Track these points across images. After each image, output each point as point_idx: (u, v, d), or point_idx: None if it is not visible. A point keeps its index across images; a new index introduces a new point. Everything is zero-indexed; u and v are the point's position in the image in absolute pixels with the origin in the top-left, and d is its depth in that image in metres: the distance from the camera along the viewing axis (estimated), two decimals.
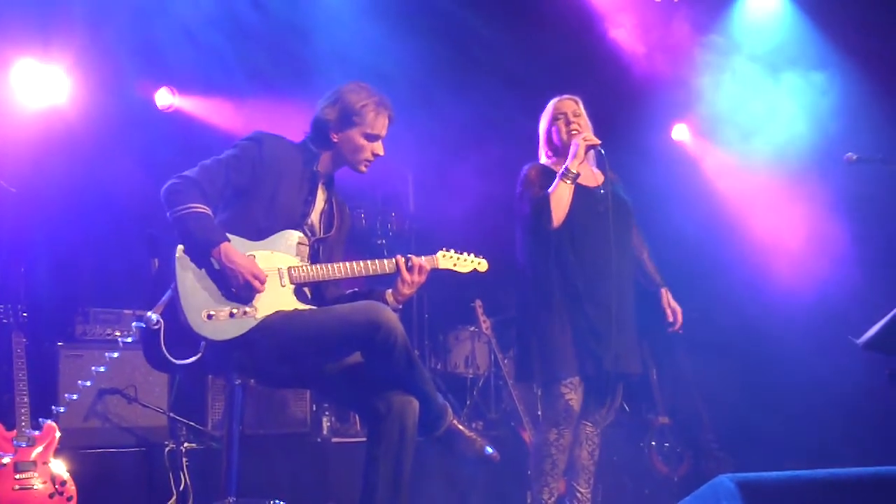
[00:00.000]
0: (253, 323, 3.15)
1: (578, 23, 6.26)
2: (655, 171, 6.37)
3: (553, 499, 3.93)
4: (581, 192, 3.96)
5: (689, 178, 6.75)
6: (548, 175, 3.99)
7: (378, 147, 3.45)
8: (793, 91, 6.09)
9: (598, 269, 3.91)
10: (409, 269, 3.38)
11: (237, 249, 3.17)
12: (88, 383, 4.45)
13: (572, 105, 4.10)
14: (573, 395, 3.87)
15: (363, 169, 3.48)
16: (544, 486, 3.91)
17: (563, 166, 3.90)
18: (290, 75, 5.71)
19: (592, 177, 4.08)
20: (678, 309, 4.16)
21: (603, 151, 3.98)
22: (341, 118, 3.40)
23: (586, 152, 3.93)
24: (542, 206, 3.87)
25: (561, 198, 3.87)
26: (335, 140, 3.42)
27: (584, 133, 3.97)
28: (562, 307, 3.90)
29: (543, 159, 4.14)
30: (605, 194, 3.98)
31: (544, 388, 3.98)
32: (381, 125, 3.43)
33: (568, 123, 4.04)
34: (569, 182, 3.87)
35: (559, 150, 4.05)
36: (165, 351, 3.06)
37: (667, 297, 4.17)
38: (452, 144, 6.06)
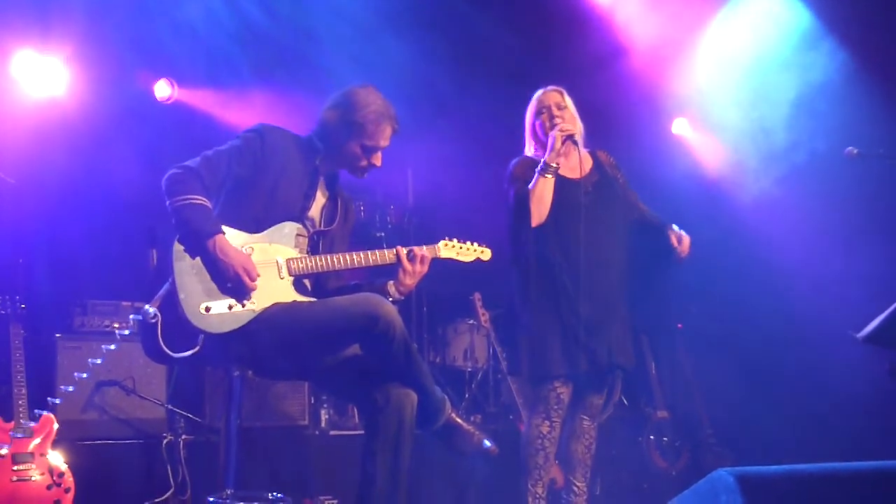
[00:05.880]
0: (251, 315, 3.14)
1: (582, 18, 6.25)
2: (655, 167, 6.36)
3: (545, 491, 3.91)
4: (565, 184, 3.88)
5: (689, 174, 6.74)
6: (534, 168, 3.89)
7: (376, 158, 3.42)
8: (793, 84, 6.07)
9: (589, 262, 3.81)
10: (411, 259, 3.37)
11: (235, 242, 3.17)
12: (85, 375, 4.46)
13: (556, 97, 3.99)
14: (564, 388, 3.85)
15: (360, 175, 3.48)
16: (538, 479, 3.88)
17: (542, 161, 3.82)
18: (291, 67, 5.70)
19: (578, 166, 3.92)
20: (682, 234, 3.97)
21: (576, 140, 3.84)
22: (342, 125, 3.38)
23: (563, 143, 3.82)
24: (523, 203, 3.80)
25: (541, 194, 3.80)
26: (334, 144, 3.42)
27: (561, 125, 3.86)
28: (549, 304, 3.84)
29: (530, 151, 4.05)
30: (590, 187, 3.89)
31: (533, 384, 3.94)
32: (381, 137, 3.39)
33: (552, 118, 3.93)
34: (548, 176, 3.80)
35: (545, 144, 3.92)
36: (162, 344, 3.06)
37: (671, 231, 3.98)
38: (452, 137, 6.05)
